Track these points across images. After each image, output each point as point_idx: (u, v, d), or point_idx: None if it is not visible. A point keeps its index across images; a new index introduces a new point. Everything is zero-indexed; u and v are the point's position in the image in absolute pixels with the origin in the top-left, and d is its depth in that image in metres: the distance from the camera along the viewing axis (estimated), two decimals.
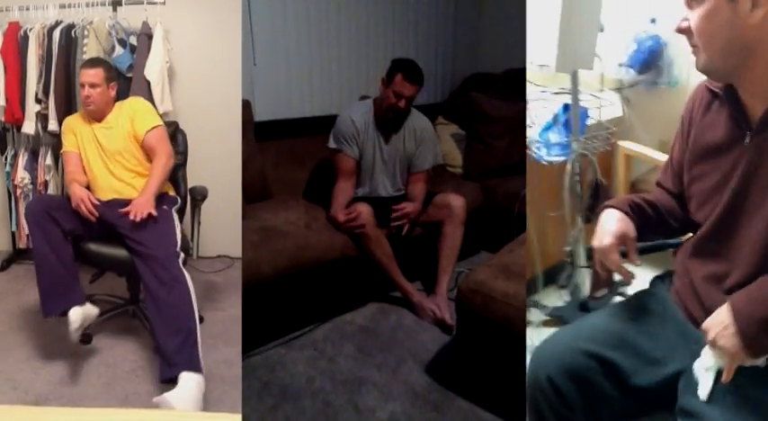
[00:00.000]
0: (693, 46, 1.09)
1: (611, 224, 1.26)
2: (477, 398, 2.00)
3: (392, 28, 3.69)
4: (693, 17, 1.06)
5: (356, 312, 2.62)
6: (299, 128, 3.19)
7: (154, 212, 2.19)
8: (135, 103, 2.49)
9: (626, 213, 1.28)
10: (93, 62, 2.46)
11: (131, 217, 2.15)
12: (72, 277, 2.19)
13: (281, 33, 3.12)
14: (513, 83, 3.54)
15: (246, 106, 2.88)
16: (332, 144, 2.73)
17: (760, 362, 1.04)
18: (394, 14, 3.68)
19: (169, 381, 1.92)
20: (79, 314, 2.16)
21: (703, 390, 1.08)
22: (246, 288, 2.29)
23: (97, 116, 2.42)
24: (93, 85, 2.34)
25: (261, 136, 2.95)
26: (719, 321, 1.05)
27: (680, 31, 1.10)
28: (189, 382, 1.88)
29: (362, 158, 2.74)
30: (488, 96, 3.46)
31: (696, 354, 1.12)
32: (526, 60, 2.04)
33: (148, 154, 2.40)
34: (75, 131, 2.43)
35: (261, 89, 3.14)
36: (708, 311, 1.11)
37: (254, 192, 2.82)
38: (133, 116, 2.40)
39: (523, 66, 3.47)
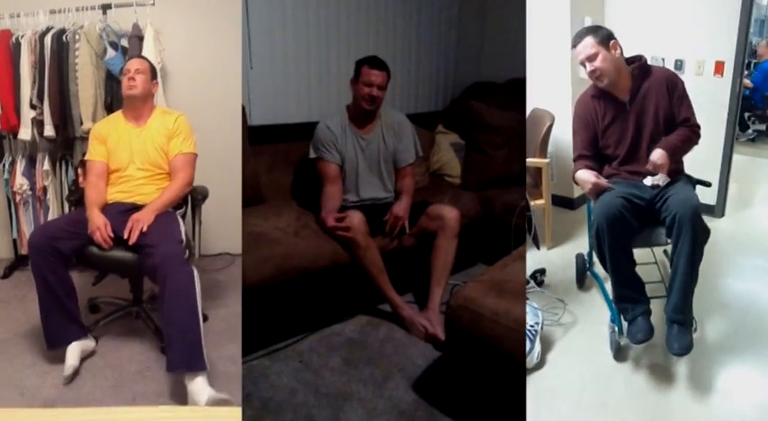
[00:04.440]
0: (597, 78, 2.24)
1: (588, 175, 2.29)
2: (464, 417, 1.93)
3: (393, 35, 3.65)
4: (597, 64, 2.20)
5: (345, 323, 2.56)
6: (296, 133, 3.12)
7: (145, 227, 2.18)
8: (183, 121, 2.49)
9: (588, 169, 2.33)
10: (138, 56, 2.67)
11: (126, 233, 2.16)
12: (74, 309, 2.23)
13: (278, 37, 3.08)
14: (515, 92, 3.48)
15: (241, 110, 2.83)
16: (312, 154, 2.71)
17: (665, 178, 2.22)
18: (395, 22, 3.63)
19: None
20: (77, 350, 2.20)
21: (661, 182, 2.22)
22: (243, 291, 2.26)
23: (136, 113, 2.44)
24: (138, 71, 2.40)
25: (255, 140, 2.90)
26: (657, 154, 2.20)
27: (591, 72, 2.23)
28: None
29: (346, 163, 2.70)
30: (489, 105, 3.39)
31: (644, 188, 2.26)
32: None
33: (171, 172, 2.43)
34: (106, 138, 2.42)
35: (257, 93, 3.09)
36: (642, 173, 2.25)
37: (246, 197, 2.76)
38: (174, 133, 2.43)
39: (525, 75, 3.44)
